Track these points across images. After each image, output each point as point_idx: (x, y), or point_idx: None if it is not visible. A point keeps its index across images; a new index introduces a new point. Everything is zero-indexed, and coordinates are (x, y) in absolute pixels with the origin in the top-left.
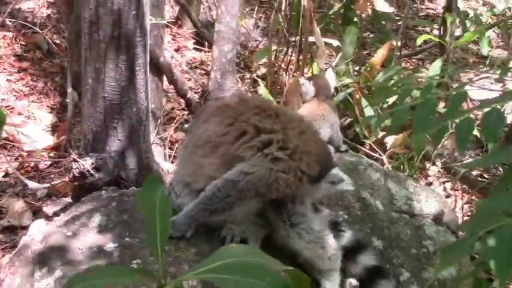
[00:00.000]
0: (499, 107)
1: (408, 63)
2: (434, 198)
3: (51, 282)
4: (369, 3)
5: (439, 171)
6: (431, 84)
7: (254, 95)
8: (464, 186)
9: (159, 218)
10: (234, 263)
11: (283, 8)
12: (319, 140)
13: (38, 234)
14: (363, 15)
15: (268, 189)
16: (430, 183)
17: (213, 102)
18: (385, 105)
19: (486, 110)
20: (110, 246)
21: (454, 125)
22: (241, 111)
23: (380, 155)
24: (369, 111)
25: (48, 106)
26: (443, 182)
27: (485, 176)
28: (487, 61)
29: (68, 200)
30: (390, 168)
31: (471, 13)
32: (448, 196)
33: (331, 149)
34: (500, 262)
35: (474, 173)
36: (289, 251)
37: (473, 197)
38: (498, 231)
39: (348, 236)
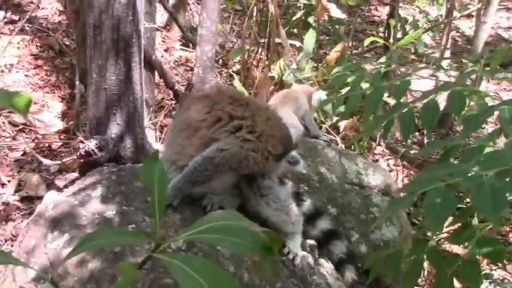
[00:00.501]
0: (435, 98)
1: (358, 61)
2: (379, 172)
3: (60, 244)
4: (325, 11)
5: (383, 150)
6: (379, 71)
7: (229, 87)
8: (404, 162)
9: (157, 188)
10: (219, 226)
11: (254, 14)
12: (283, 125)
13: (51, 203)
14: (320, 21)
15: (239, 165)
16: (376, 160)
17: (194, 93)
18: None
19: (424, 101)
20: (110, 213)
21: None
22: (218, 100)
23: (334, 136)
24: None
25: (59, 96)
26: (387, 159)
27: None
28: (423, 59)
29: (76, 174)
30: (343, 148)
31: (410, 19)
32: (391, 171)
33: (294, 134)
34: (434, 217)
35: (412, 152)
36: (259, 217)
37: (411, 172)
38: (432, 191)
39: (307, 204)
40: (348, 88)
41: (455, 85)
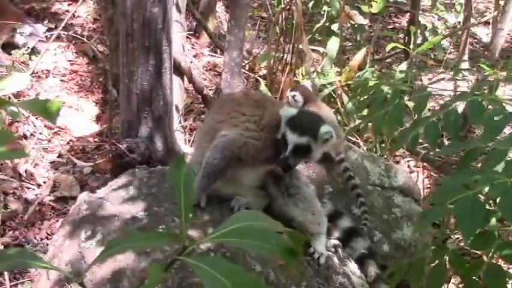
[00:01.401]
0: (455, 106)
1: (379, 66)
2: (401, 174)
3: (93, 243)
4: (348, 18)
5: (404, 152)
6: (397, 90)
7: (257, 92)
8: (425, 164)
9: (184, 190)
10: (243, 227)
11: (280, 22)
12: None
13: (84, 204)
14: (343, 27)
15: (240, 151)
16: (397, 162)
17: (222, 96)
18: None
19: (445, 111)
20: (141, 214)
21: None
22: (241, 102)
23: (357, 138)
24: (348, 104)
25: (93, 101)
26: (408, 161)
27: (442, 156)
28: (442, 64)
29: (108, 176)
30: (366, 150)
31: (429, 26)
32: (411, 172)
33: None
34: (465, 225)
35: (431, 153)
36: (286, 217)
37: (432, 173)
38: (461, 201)
39: (328, 206)
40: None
41: (472, 94)
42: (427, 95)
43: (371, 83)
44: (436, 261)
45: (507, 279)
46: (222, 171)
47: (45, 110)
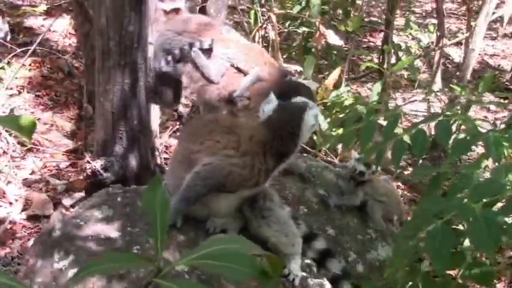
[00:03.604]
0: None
1: (355, 85)
2: None
3: (66, 264)
4: (323, 38)
5: (378, 172)
6: (372, 109)
7: (226, 117)
8: (398, 183)
9: (159, 212)
10: (219, 250)
11: (256, 40)
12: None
13: (57, 223)
14: (319, 46)
15: (227, 180)
16: None
17: (193, 122)
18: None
19: (413, 131)
20: (115, 234)
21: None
22: (212, 129)
23: (332, 159)
24: (323, 124)
25: (68, 117)
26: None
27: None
28: (416, 83)
29: (82, 194)
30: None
31: (403, 45)
32: None
33: None
34: (437, 257)
35: (406, 172)
36: (261, 238)
37: (406, 192)
38: (431, 232)
39: (303, 227)
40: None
41: (442, 115)
42: (397, 115)
43: (346, 102)
44: (409, 284)
45: None
46: (201, 197)
47: (21, 127)
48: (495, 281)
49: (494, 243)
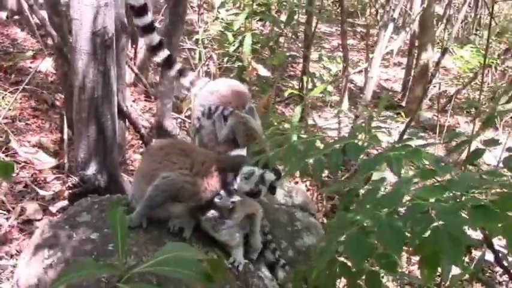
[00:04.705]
0: (337, 147)
1: (280, 107)
2: (300, 194)
3: (55, 260)
4: (254, 71)
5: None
6: (291, 134)
7: (181, 141)
8: (317, 184)
9: (120, 228)
10: (171, 257)
11: (201, 73)
12: (220, 166)
13: (46, 226)
14: (251, 77)
15: (179, 192)
16: (296, 182)
17: (154, 145)
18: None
19: (330, 150)
20: (94, 235)
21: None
22: (169, 152)
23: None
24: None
25: (52, 140)
26: (305, 181)
27: (330, 177)
28: (328, 104)
29: (66, 202)
30: None
31: (317, 74)
32: (308, 190)
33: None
34: (356, 257)
35: (323, 175)
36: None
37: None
38: (349, 237)
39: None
40: None
41: (350, 138)
42: (313, 143)
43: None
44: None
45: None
46: (160, 204)
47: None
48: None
49: (397, 243)
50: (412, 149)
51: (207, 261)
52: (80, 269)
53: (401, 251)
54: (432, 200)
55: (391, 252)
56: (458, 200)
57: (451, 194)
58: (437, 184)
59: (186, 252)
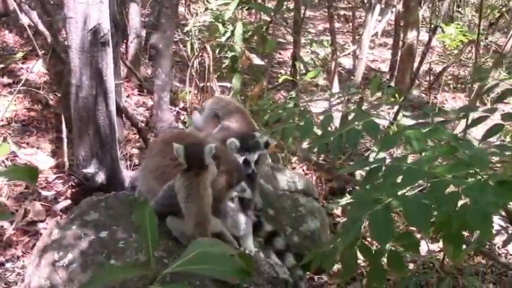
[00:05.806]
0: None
1: (273, 94)
2: (302, 179)
3: (66, 261)
4: (248, 60)
5: (296, 161)
6: (292, 112)
7: (188, 132)
8: (314, 167)
9: (150, 227)
10: (202, 253)
11: (195, 64)
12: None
13: (54, 228)
14: (245, 67)
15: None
16: (294, 168)
17: (160, 137)
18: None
19: (347, 128)
20: (103, 233)
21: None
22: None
23: None
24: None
25: (48, 140)
26: (302, 166)
27: (327, 160)
28: (319, 88)
29: (68, 201)
30: (272, 163)
31: (307, 59)
32: (306, 174)
33: None
34: (379, 235)
35: (320, 159)
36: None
37: (321, 175)
38: (373, 215)
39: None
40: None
41: (367, 116)
42: (310, 122)
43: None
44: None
45: (403, 261)
46: (172, 202)
47: (26, 175)
48: None
49: (426, 221)
50: (432, 127)
51: (238, 255)
52: (112, 272)
53: (430, 228)
54: (449, 176)
55: (421, 230)
56: (479, 177)
57: (471, 171)
58: (457, 161)
59: (216, 247)
